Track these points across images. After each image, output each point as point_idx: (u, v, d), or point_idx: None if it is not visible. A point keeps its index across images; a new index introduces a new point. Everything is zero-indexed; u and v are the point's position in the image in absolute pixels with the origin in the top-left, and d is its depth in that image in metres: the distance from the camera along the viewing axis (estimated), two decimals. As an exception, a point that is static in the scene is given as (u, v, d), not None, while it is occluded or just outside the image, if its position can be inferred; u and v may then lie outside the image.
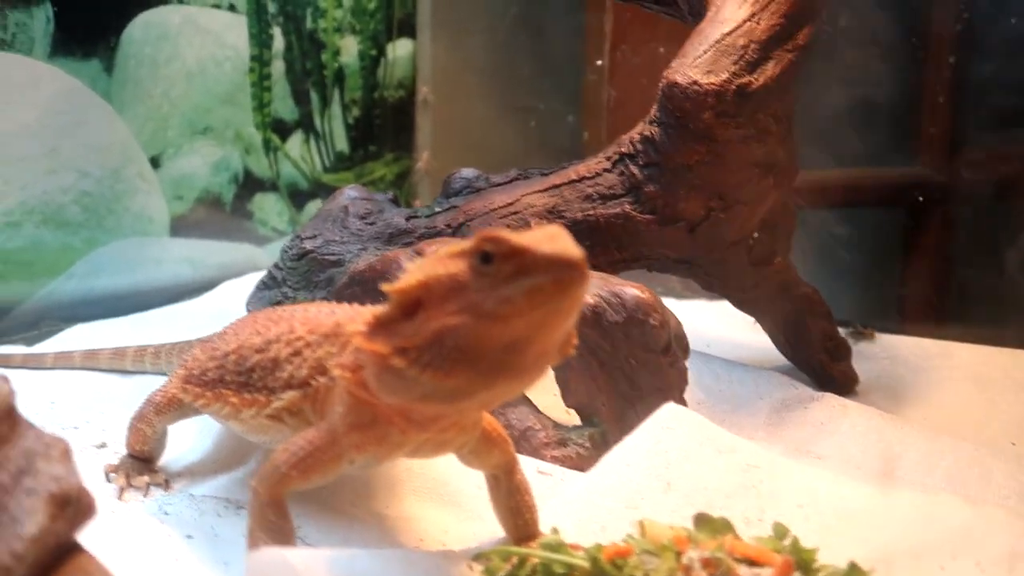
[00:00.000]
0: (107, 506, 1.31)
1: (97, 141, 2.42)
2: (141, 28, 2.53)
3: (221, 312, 1.93)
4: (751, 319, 2.01)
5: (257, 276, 2.09)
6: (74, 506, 0.88)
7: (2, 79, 2.21)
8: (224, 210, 2.81)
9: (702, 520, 1.12)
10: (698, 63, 1.67)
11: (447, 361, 0.89)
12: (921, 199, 2.70)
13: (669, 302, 2.48)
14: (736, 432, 1.46)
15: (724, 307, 2.08)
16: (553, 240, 0.86)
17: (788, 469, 1.26)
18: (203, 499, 1.32)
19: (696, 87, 1.65)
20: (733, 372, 1.81)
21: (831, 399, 1.72)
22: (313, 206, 3.01)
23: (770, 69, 1.68)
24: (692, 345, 1.59)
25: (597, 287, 1.49)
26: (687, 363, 1.54)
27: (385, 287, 0.94)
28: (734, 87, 1.65)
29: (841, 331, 1.97)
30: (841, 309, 2.00)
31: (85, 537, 0.94)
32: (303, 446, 1.05)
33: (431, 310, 0.91)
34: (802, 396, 1.73)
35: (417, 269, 0.94)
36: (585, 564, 1.03)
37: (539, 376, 0.94)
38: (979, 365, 2.01)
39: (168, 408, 1.39)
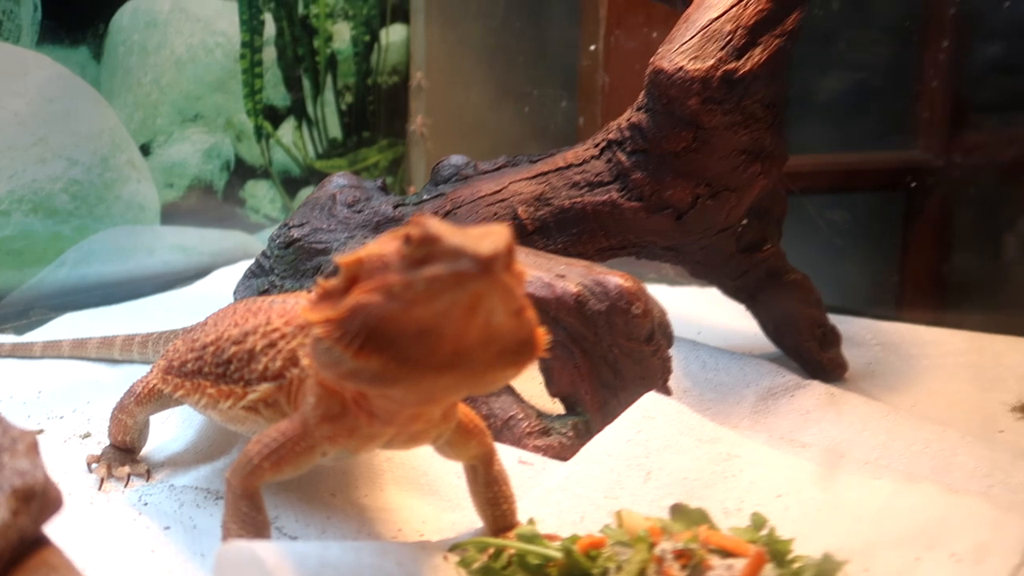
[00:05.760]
0: (86, 497, 1.32)
1: (86, 129, 2.41)
2: (130, 15, 2.52)
3: (213, 300, 1.92)
4: (742, 306, 1.99)
5: (249, 264, 2.08)
6: (39, 500, 0.88)
7: (-10, 67, 2.21)
8: (216, 197, 2.80)
9: (678, 510, 1.12)
10: (684, 49, 1.66)
11: (356, 337, 0.89)
12: (917, 184, 2.69)
13: (662, 288, 2.50)
14: (722, 420, 1.46)
15: (716, 294, 2.07)
16: (479, 236, 0.84)
17: (768, 458, 1.25)
18: (183, 490, 1.32)
19: (682, 74, 1.64)
20: (720, 360, 1.80)
21: (818, 387, 1.71)
22: (305, 193, 3.00)
23: (757, 55, 1.66)
24: (682, 332, 1.59)
25: (580, 276, 1.48)
26: (672, 352, 1.53)
27: (336, 259, 0.95)
28: (720, 73, 1.64)
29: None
30: (835, 296, 1.98)
31: (60, 529, 0.94)
32: (276, 438, 1.05)
33: (360, 285, 0.91)
34: (789, 384, 1.73)
35: (369, 244, 0.95)
36: (559, 555, 1.02)
37: (480, 378, 0.91)
38: (971, 352, 1.99)
39: (149, 399, 1.39)
